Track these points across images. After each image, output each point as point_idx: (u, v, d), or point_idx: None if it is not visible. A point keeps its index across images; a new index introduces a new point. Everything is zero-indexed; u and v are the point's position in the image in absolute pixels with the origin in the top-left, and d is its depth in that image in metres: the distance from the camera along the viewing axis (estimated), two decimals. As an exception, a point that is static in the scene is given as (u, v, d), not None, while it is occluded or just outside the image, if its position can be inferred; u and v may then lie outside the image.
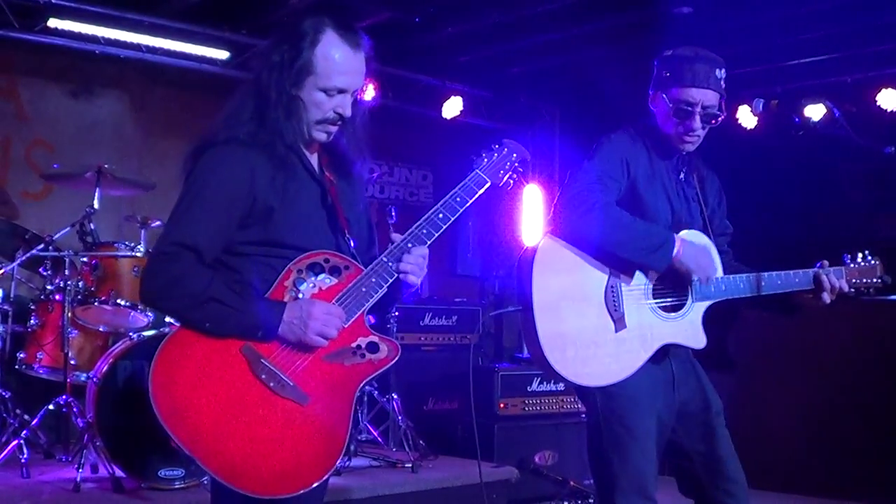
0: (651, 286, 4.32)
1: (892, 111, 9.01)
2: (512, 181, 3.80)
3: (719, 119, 4.35)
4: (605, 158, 4.31)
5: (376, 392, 8.48)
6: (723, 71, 4.33)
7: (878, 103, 9.08)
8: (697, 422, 4.42)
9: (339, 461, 3.33)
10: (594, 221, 4.15)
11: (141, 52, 9.33)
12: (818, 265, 4.48)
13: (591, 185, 4.21)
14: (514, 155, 3.81)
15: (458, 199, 3.62)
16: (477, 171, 3.72)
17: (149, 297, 3.39)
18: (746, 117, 9.61)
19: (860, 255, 4.57)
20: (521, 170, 3.83)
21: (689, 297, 4.35)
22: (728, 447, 4.43)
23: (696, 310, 4.37)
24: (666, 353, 4.34)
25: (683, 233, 4.34)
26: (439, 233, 3.57)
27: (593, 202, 4.15)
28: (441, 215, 3.56)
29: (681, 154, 4.47)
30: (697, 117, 4.29)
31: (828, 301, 4.45)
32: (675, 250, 4.21)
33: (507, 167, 3.78)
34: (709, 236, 4.46)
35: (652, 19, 8.75)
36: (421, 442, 8.15)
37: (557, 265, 4.25)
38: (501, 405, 8.40)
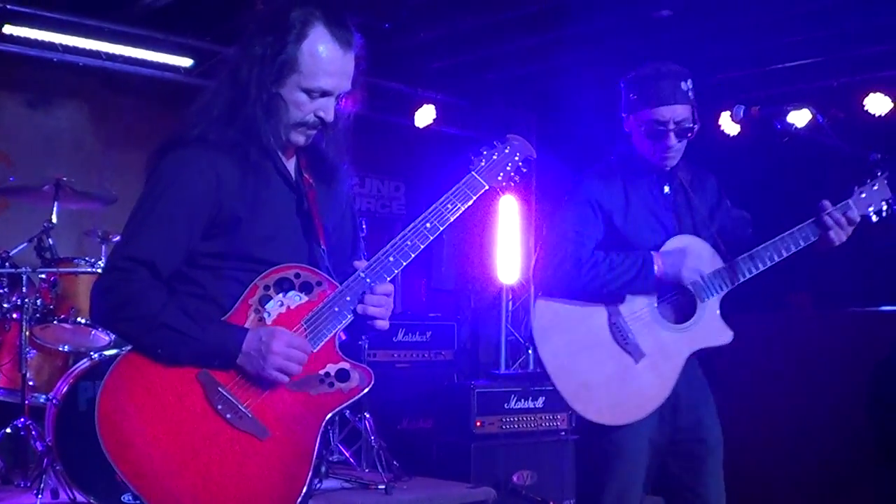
0: (654, 305, 4.34)
1: (880, 116, 8.99)
2: (513, 183, 3.54)
3: (694, 130, 4.33)
4: (572, 206, 4.38)
5: (348, 411, 8.35)
6: (689, 82, 4.31)
7: (865, 108, 9.05)
8: (687, 454, 4.43)
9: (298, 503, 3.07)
10: (569, 274, 4.23)
11: (101, 59, 9.20)
12: (821, 207, 4.36)
13: (560, 240, 4.30)
14: (518, 154, 3.54)
15: (449, 205, 3.33)
16: (473, 173, 3.43)
17: (98, 317, 3.23)
18: (728, 124, 9.51)
19: (868, 179, 4.41)
20: (524, 170, 3.56)
21: (696, 299, 4.34)
22: (715, 487, 4.44)
23: (709, 308, 4.35)
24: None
25: (670, 241, 4.36)
26: (427, 244, 3.29)
27: (563, 256, 4.24)
28: (429, 224, 3.29)
29: (661, 171, 4.44)
30: (672, 135, 4.28)
31: (837, 240, 4.32)
32: (656, 266, 4.25)
33: (507, 168, 3.51)
34: (705, 236, 4.44)
35: (630, 23, 8.65)
36: (395, 462, 8.02)
37: (556, 324, 4.30)
38: (478, 423, 8.24)
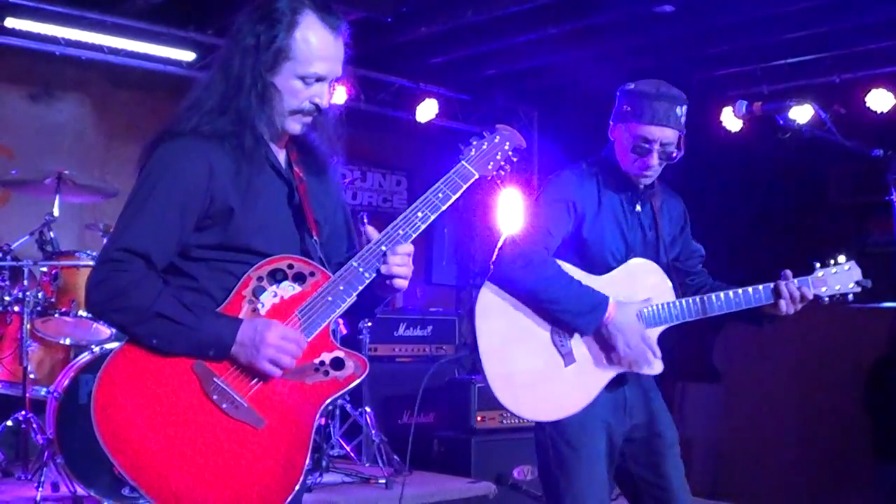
0: None
1: (882, 112, 8.99)
2: (503, 172, 3.55)
3: (676, 157, 4.32)
4: (548, 202, 4.37)
5: (349, 406, 8.37)
6: (684, 108, 4.28)
7: (867, 104, 9.05)
8: (646, 450, 4.43)
9: (294, 492, 3.07)
10: (529, 276, 4.18)
11: (103, 53, 9.23)
12: (782, 275, 4.35)
13: (531, 239, 4.26)
14: (507, 144, 3.57)
15: (440, 195, 3.35)
16: (463, 162, 3.46)
17: (93, 308, 3.17)
18: (730, 120, 9.48)
19: (832, 261, 4.42)
20: (514, 159, 3.58)
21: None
22: (678, 480, 4.41)
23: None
24: (620, 380, 4.33)
25: (632, 261, 4.38)
26: (418, 233, 3.31)
27: (530, 257, 4.19)
28: (420, 214, 3.31)
29: (636, 188, 4.43)
30: (655, 154, 4.27)
31: (786, 310, 4.32)
32: (607, 315, 4.18)
33: (497, 157, 3.53)
34: (663, 263, 4.46)
35: (633, 18, 8.64)
36: (395, 457, 8.01)
37: (500, 309, 4.25)
38: (478, 418, 8.26)
